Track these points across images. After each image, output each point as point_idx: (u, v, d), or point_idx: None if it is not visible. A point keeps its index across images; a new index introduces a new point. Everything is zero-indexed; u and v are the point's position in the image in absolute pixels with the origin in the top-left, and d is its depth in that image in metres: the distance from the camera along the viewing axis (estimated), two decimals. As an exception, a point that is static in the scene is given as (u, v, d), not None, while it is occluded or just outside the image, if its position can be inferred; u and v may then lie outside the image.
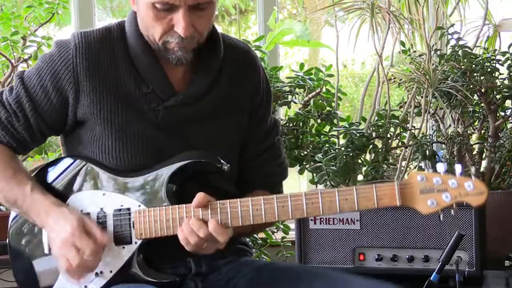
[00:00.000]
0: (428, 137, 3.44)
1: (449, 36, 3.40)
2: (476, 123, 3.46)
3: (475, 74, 3.29)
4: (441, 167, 1.70)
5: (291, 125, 3.23)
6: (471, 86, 3.28)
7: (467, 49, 3.36)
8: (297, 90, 3.27)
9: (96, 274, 1.88)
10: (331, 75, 3.27)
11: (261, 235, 3.24)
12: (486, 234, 2.72)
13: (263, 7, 3.82)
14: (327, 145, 3.18)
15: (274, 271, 1.97)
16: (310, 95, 3.27)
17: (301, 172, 3.21)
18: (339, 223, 2.71)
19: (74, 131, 1.98)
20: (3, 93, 1.98)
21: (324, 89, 3.28)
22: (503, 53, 3.35)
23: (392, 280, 2.62)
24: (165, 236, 1.84)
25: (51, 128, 1.99)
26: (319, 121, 3.29)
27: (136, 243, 1.87)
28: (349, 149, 3.06)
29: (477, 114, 3.42)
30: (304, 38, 3.40)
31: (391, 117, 3.28)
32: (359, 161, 3.12)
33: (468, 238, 2.55)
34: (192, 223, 1.79)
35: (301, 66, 3.38)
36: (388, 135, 3.25)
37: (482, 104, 3.34)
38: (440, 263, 2.28)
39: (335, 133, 3.27)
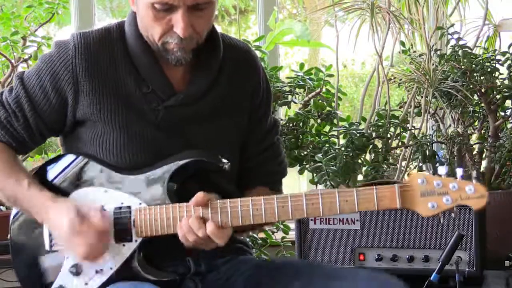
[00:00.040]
0: (428, 137, 3.44)
1: (449, 36, 3.40)
2: (476, 123, 3.46)
3: (475, 74, 3.29)
4: (442, 170, 1.70)
5: (291, 125, 3.23)
6: (471, 86, 3.28)
7: (467, 49, 3.36)
8: (297, 90, 3.28)
9: (96, 271, 1.88)
10: (331, 75, 3.27)
11: (261, 235, 3.24)
12: (486, 234, 2.72)
13: (263, 7, 3.82)
14: (327, 145, 3.19)
15: (272, 267, 1.97)
16: (310, 95, 3.27)
17: (301, 172, 3.22)
18: (339, 223, 2.71)
19: (74, 131, 1.98)
20: (3, 93, 1.99)
21: (324, 89, 3.28)
22: (503, 53, 3.35)
23: (392, 280, 2.64)
24: (166, 235, 1.84)
25: (50, 128, 1.99)
26: (319, 121, 3.29)
27: (136, 241, 1.87)
28: (349, 149, 3.06)
29: (477, 114, 3.42)
30: (304, 38, 3.40)
31: (391, 117, 3.28)
32: (359, 161, 3.12)
33: (468, 238, 2.55)
34: (192, 222, 1.79)
35: (301, 66, 3.38)
36: (388, 135, 3.25)
37: (482, 104, 3.35)
38: (440, 263, 2.28)
39: (335, 133, 3.27)
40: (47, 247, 1.94)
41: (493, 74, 3.31)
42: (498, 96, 3.31)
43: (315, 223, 2.73)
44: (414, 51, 3.55)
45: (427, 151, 3.20)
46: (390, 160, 3.32)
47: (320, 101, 3.27)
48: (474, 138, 3.52)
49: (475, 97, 3.37)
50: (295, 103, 3.27)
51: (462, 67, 3.29)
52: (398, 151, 3.43)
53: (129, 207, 1.88)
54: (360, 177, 3.16)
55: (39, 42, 3.11)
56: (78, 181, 1.94)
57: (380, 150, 3.22)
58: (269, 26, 3.52)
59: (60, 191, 1.92)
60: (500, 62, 3.33)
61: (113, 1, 5.25)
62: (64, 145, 2.06)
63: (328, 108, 3.29)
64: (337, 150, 3.08)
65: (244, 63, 2.05)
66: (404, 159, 3.32)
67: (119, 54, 1.93)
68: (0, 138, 1.96)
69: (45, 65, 1.94)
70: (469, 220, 2.58)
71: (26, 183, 1.91)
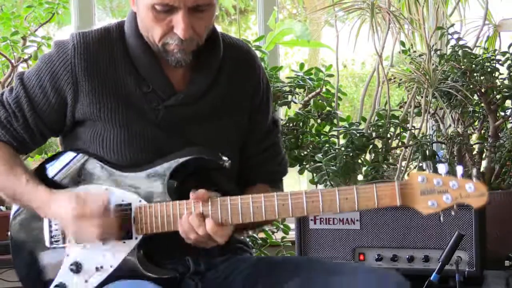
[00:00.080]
0: (428, 137, 3.44)
1: (449, 36, 3.40)
2: (476, 123, 3.46)
3: (475, 74, 3.29)
4: (442, 168, 1.70)
5: (291, 125, 3.23)
6: (471, 86, 3.28)
7: (467, 49, 3.36)
8: (297, 90, 3.27)
9: (96, 268, 1.88)
10: (331, 75, 3.27)
11: (261, 235, 3.25)
12: (486, 234, 2.72)
13: (263, 7, 3.82)
14: (327, 145, 3.18)
15: (271, 264, 1.97)
16: (310, 95, 3.27)
17: (301, 172, 3.21)
18: (339, 223, 2.71)
19: (74, 130, 1.99)
20: (4, 93, 1.99)
21: (324, 89, 3.28)
22: (503, 53, 3.35)
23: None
24: (166, 232, 1.85)
25: (50, 128, 1.99)
26: (319, 121, 3.29)
27: (136, 238, 1.87)
28: (349, 149, 3.06)
29: (477, 114, 3.42)
30: (304, 38, 3.40)
31: (391, 117, 3.28)
32: (359, 161, 3.12)
33: (468, 238, 2.55)
34: (192, 220, 1.80)
35: (301, 66, 3.38)
36: (388, 135, 3.25)
37: (482, 104, 3.34)
38: (440, 263, 2.28)
39: (335, 133, 3.27)
40: (47, 244, 1.94)
41: (493, 74, 3.31)
42: (498, 96, 3.31)
43: (315, 223, 2.73)
44: (414, 51, 3.55)
45: (427, 151, 3.20)
46: (390, 160, 3.32)
47: (320, 101, 3.27)
48: (474, 138, 3.52)
49: (475, 97, 3.36)
50: (295, 103, 3.26)
51: (462, 67, 3.29)
52: (398, 151, 3.43)
53: (129, 204, 1.88)
54: (360, 177, 3.16)
55: (39, 42, 3.11)
56: (78, 178, 1.94)
57: (380, 150, 3.22)
58: (269, 26, 3.52)
59: (61, 188, 1.92)
60: (500, 62, 3.32)
61: (113, 1, 5.25)
62: (63, 144, 2.06)
63: (328, 108, 3.29)
64: (337, 150, 3.08)
65: (244, 62, 2.05)
66: (404, 159, 3.32)
67: (118, 54, 1.93)
68: (1, 138, 1.97)
69: (45, 65, 1.94)
70: (469, 220, 2.58)
71: (25, 179, 1.91)
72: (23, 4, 3.43)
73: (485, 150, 3.38)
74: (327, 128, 3.30)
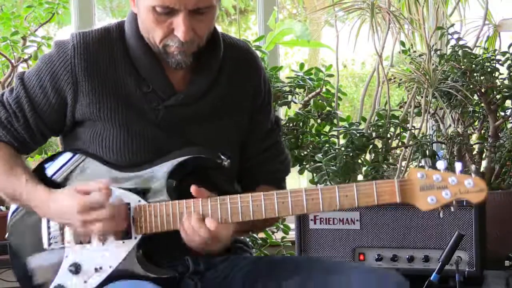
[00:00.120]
0: (428, 137, 3.44)
1: (449, 36, 3.40)
2: (476, 123, 3.46)
3: (475, 74, 3.29)
4: (441, 164, 1.70)
5: (291, 125, 3.23)
6: (471, 86, 3.28)
7: (467, 49, 3.36)
8: (297, 90, 3.27)
9: (96, 269, 1.88)
10: (331, 75, 3.27)
11: (261, 235, 3.24)
12: (486, 234, 2.72)
13: (263, 7, 3.82)
14: (327, 145, 3.18)
15: (271, 262, 1.97)
16: (310, 95, 3.27)
17: (301, 172, 3.21)
18: (339, 223, 2.71)
19: (74, 130, 1.99)
20: (4, 94, 1.99)
21: (324, 89, 3.28)
22: (503, 53, 3.35)
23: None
24: (165, 232, 1.85)
25: (50, 128, 1.99)
26: (319, 121, 3.29)
27: (135, 238, 1.87)
28: (349, 149, 3.06)
29: (477, 114, 3.42)
30: (304, 38, 3.40)
31: (391, 117, 3.28)
32: (359, 161, 3.12)
33: (468, 238, 2.55)
34: (194, 223, 1.79)
35: (301, 66, 3.38)
36: (388, 135, 3.25)
37: (482, 104, 3.34)
38: (440, 263, 2.28)
39: (335, 133, 3.27)
40: (45, 245, 1.94)
41: (493, 74, 3.31)
42: (498, 96, 3.31)
43: (315, 223, 2.73)
44: (414, 51, 3.55)
45: (427, 151, 3.20)
46: (390, 160, 3.32)
47: (320, 101, 3.27)
48: (474, 138, 3.52)
49: (475, 97, 3.36)
50: (295, 103, 3.26)
51: (462, 67, 3.29)
52: (398, 151, 3.43)
53: (128, 204, 1.88)
54: (360, 177, 3.16)
55: (39, 42, 3.11)
56: (76, 178, 1.94)
57: (380, 150, 3.22)
58: (269, 26, 3.52)
59: (59, 188, 1.92)
60: (500, 62, 3.32)
61: (113, 1, 5.25)
62: (63, 144, 2.06)
63: (328, 108, 3.29)
64: (337, 150, 3.08)
65: (244, 62, 2.05)
66: (404, 159, 3.32)
67: (118, 54, 1.93)
68: (2, 138, 1.97)
69: (45, 65, 1.94)
70: (469, 220, 2.58)
71: (24, 179, 1.91)
72: (23, 4, 3.43)
73: (485, 150, 3.38)
74: (327, 128, 3.30)
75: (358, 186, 1.75)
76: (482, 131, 3.42)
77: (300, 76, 3.28)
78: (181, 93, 1.94)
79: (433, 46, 3.48)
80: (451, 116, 3.45)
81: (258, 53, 3.07)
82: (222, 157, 1.88)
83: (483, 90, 3.31)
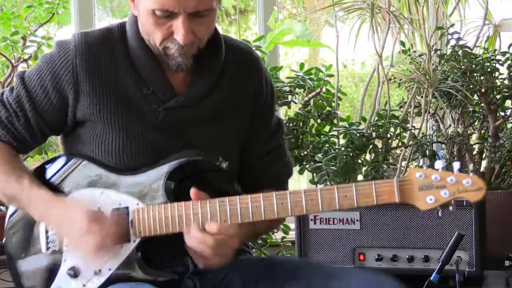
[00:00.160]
0: (428, 137, 3.44)
1: (449, 36, 3.40)
2: (476, 123, 3.47)
3: (475, 74, 3.29)
4: (439, 164, 1.71)
5: (291, 125, 3.22)
6: (471, 86, 3.28)
7: (467, 49, 3.36)
8: (297, 90, 3.27)
9: (95, 272, 1.87)
10: (331, 75, 3.27)
11: (261, 235, 3.24)
12: (486, 234, 2.72)
13: (263, 7, 3.82)
14: (327, 145, 3.18)
15: (270, 265, 1.97)
16: (310, 95, 3.27)
17: (301, 172, 3.21)
18: (339, 223, 2.70)
19: (74, 131, 1.99)
20: (4, 93, 1.99)
21: (324, 89, 3.28)
22: (503, 53, 3.35)
23: (392, 280, 2.63)
24: (164, 234, 1.84)
25: (51, 128, 1.99)
26: (319, 121, 3.29)
27: (134, 241, 1.87)
28: (349, 149, 3.06)
29: (477, 114, 3.42)
30: (304, 38, 3.40)
31: (391, 117, 3.28)
32: (359, 161, 3.12)
33: (468, 238, 2.55)
34: (195, 234, 1.78)
35: (301, 66, 3.38)
36: (388, 135, 3.25)
37: (482, 104, 3.35)
38: (440, 263, 2.28)
39: (335, 133, 3.27)
40: (43, 249, 1.94)
41: (493, 74, 3.31)
42: (498, 96, 3.31)
43: (315, 223, 2.72)
44: (414, 51, 3.55)
45: (427, 151, 3.20)
46: (390, 160, 3.32)
47: (320, 101, 3.27)
48: (474, 138, 3.52)
49: (475, 97, 3.37)
50: (295, 103, 3.26)
51: (462, 67, 3.29)
52: (398, 151, 3.43)
53: (126, 208, 1.87)
54: (360, 177, 3.16)
55: (39, 42, 3.11)
56: (73, 183, 1.93)
57: (380, 150, 3.22)
58: (269, 26, 3.52)
59: (57, 192, 1.92)
60: (500, 62, 3.33)
61: (113, 1, 5.25)
62: (64, 144, 2.06)
63: (328, 108, 3.29)
64: (337, 150, 3.08)
65: (245, 64, 2.04)
66: (404, 159, 3.32)
67: (120, 55, 1.93)
68: (1, 138, 1.96)
69: (46, 65, 1.94)
70: (469, 220, 2.58)
71: (27, 181, 1.91)
72: (23, 4, 3.43)
73: (485, 150, 3.38)
74: (327, 128, 3.30)
75: (357, 186, 1.75)
76: (482, 131, 3.43)
77: (300, 76, 3.28)
78: (182, 95, 1.94)
79: (433, 46, 3.48)
80: (451, 116, 3.45)
81: (258, 53, 3.07)
82: (220, 159, 1.88)
83: (483, 90, 3.31)
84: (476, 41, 3.63)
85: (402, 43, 3.50)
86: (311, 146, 3.22)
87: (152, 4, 1.81)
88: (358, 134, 3.08)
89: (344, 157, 3.03)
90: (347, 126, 3.14)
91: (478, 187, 1.69)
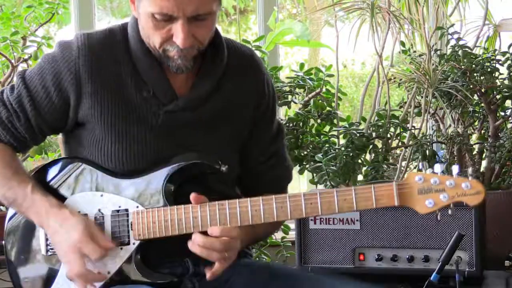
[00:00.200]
0: (428, 137, 3.44)
1: (449, 36, 3.40)
2: (476, 123, 3.47)
3: (475, 74, 3.29)
4: (438, 167, 1.71)
5: (291, 125, 3.22)
6: (471, 86, 3.28)
7: (467, 49, 3.36)
8: (297, 90, 3.27)
9: None
10: (331, 75, 3.27)
11: (261, 235, 3.24)
12: (486, 234, 2.72)
13: (263, 7, 3.82)
14: (327, 145, 3.18)
15: (272, 275, 1.96)
16: (310, 95, 3.26)
17: (301, 172, 3.21)
18: (339, 223, 2.70)
19: (74, 132, 1.98)
20: (4, 92, 1.98)
21: (324, 89, 3.27)
22: (503, 53, 3.35)
23: (392, 280, 2.64)
24: (164, 237, 1.84)
25: (51, 128, 1.99)
26: (319, 121, 3.29)
27: (134, 244, 1.87)
28: (349, 149, 3.06)
29: (477, 114, 3.42)
30: (304, 38, 3.39)
31: (391, 117, 3.28)
32: (359, 161, 3.11)
33: (468, 238, 2.55)
34: (201, 240, 1.79)
35: (301, 66, 3.38)
36: (388, 135, 3.25)
37: (482, 104, 3.34)
38: (440, 263, 2.27)
39: (335, 133, 3.27)
40: (43, 251, 1.94)
41: (493, 74, 3.31)
42: (498, 96, 3.31)
43: (315, 223, 2.72)
44: (414, 51, 3.54)
45: (427, 151, 3.20)
46: (390, 160, 3.32)
47: (320, 101, 3.27)
48: (474, 138, 3.52)
49: (475, 97, 3.36)
50: (295, 103, 3.26)
51: (462, 67, 3.29)
52: (398, 151, 3.43)
53: (126, 210, 1.87)
54: (360, 177, 3.16)
55: (39, 42, 3.11)
56: (73, 185, 1.93)
57: (380, 150, 3.22)
58: (269, 26, 3.51)
59: (56, 196, 1.92)
60: (500, 62, 3.32)
61: (113, 1, 5.25)
62: (65, 146, 2.05)
63: (328, 108, 3.29)
64: (337, 150, 3.08)
65: (247, 68, 2.03)
66: (404, 159, 3.32)
67: (122, 57, 1.93)
68: (1, 138, 1.96)
69: (48, 65, 1.93)
70: (469, 220, 2.57)
71: (30, 186, 1.90)
72: (23, 4, 3.43)
73: (485, 150, 3.38)
74: (327, 128, 3.29)
75: (357, 190, 1.75)
76: (482, 131, 3.42)
77: (300, 76, 3.28)
78: (182, 99, 1.93)
79: (433, 46, 3.48)
80: (451, 116, 3.45)
81: (258, 53, 3.08)
82: (220, 163, 1.88)
83: (483, 90, 3.31)
84: (476, 41, 3.63)
85: (402, 43, 3.50)
86: (311, 146, 3.22)
87: (151, 7, 1.81)
88: (358, 134, 3.08)
89: (344, 157, 3.03)
90: (347, 126, 3.14)
91: (477, 191, 1.70)
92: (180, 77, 1.94)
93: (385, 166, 3.20)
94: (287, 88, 3.24)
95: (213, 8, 1.84)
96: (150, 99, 1.92)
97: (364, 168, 3.17)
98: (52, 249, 1.92)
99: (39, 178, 1.97)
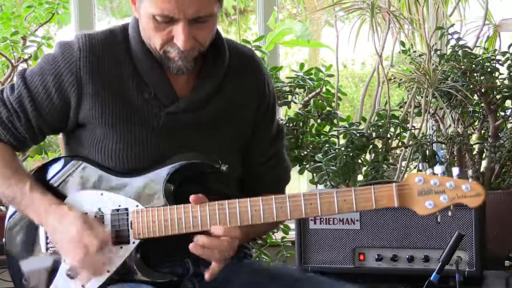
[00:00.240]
0: (428, 137, 3.44)
1: (449, 36, 3.40)
2: (476, 123, 3.47)
3: (475, 74, 3.29)
4: (438, 169, 1.71)
5: (291, 125, 3.22)
6: (471, 86, 3.28)
7: (467, 49, 3.36)
8: (297, 90, 3.27)
9: None
10: (331, 75, 3.27)
11: (261, 235, 3.24)
12: (486, 234, 2.72)
13: (263, 7, 3.82)
14: (327, 145, 3.18)
15: (271, 275, 1.96)
16: (310, 95, 3.27)
17: (301, 172, 3.21)
18: (339, 223, 2.70)
19: (75, 132, 1.98)
20: (4, 91, 1.98)
21: (324, 89, 3.28)
22: (503, 53, 3.36)
23: (392, 280, 2.64)
24: (163, 236, 1.84)
25: (51, 128, 1.99)
26: (319, 121, 3.29)
27: (134, 243, 1.87)
28: (349, 149, 3.06)
29: (477, 114, 3.42)
30: (304, 38, 3.39)
31: (391, 117, 3.28)
32: (359, 161, 3.11)
33: (468, 238, 2.55)
34: (203, 240, 1.79)
35: (301, 66, 3.38)
36: (388, 135, 3.25)
37: (482, 104, 3.35)
38: (440, 263, 2.27)
39: (335, 133, 3.27)
40: (43, 250, 1.94)
41: (493, 74, 3.31)
42: (498, 96, 3.32)
43: (315, 223, 2.72)
44: (414, 51, 3.55)
45: (427, 151, 3.20)
46: (390, 160, 3.32)
47: (320, 101, 3.27)
48: (474, 138, 3.52)
49: (475, 97, 3.37)
50: (295, 103, 3.26)
51: (462, 67, 3.30)
52: (398, 151, 3.43)
53: (126, 209, 1.87)
54: (360, 177, 3.16)
55: (39, 42, 3.11)
56: (73, 184, 1.93)
57: (380, 150, 3.22)
58: (269, 26, 3.52)
59: (56, 195, 1.92)
60: (500, 62, 3.33)
61: (113, 1, 5.25)
62: (65, 146, 2.05)
63: (328, 108, 3.29)
64: (337, 150, 3.08)
65: (249, 69, 2.03)
66: (404, 159, 3.32)
67: (123, 58, 1.92)
68: (1, 138, 1.96)
69: (49, 65, 1.93)
70: (469, 220, 2.57)
71: (28, 184, 1.90)
72: (23, 4, 3.43)
73: (485, 150, 3.38)
74: (327, 128, 3.30)
75: (356, 190, 1.75)
76: (482, 131, 3.43)
77: (300, 76, 3.28)
78: (184, 100, 1.93)
79: (433, 46, 3.48)
80: (451, 116, 3.46)
81: (258, 53, 3.08)
82: (220, 162, 1.88)
83: (483, 90, 3.31)
84: (476, 41, 3.64)
85: (402, 43, 3.50)
86: (311, 146, 3.22)
87: (152, 9, 1.80)
88: (358, 134, 3.08)
89: (344, 157, 3.03)
90: (347, 126, 3.14)
91: (477, 193, 1.70)
92: (181, 79, 1.93)
93: (385, 166, 3.20)
94: (287, 88, 3.24)
95: (214, 10, 1.83)
96: (151, 101, 1.91)
97: (364, 168, 3.17)
98: (52, 246, 1.92)
99: (39, 176, 1.97)
